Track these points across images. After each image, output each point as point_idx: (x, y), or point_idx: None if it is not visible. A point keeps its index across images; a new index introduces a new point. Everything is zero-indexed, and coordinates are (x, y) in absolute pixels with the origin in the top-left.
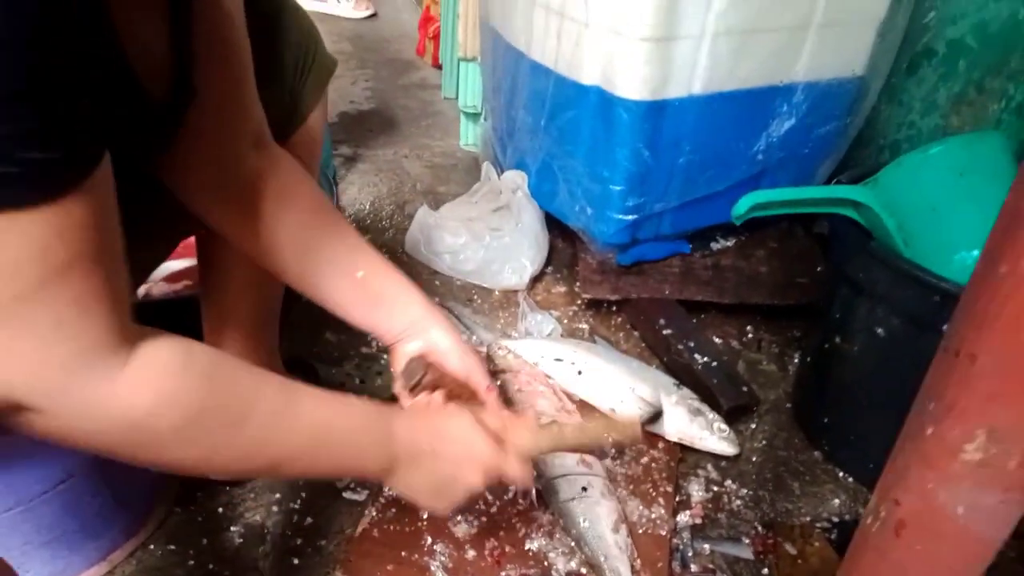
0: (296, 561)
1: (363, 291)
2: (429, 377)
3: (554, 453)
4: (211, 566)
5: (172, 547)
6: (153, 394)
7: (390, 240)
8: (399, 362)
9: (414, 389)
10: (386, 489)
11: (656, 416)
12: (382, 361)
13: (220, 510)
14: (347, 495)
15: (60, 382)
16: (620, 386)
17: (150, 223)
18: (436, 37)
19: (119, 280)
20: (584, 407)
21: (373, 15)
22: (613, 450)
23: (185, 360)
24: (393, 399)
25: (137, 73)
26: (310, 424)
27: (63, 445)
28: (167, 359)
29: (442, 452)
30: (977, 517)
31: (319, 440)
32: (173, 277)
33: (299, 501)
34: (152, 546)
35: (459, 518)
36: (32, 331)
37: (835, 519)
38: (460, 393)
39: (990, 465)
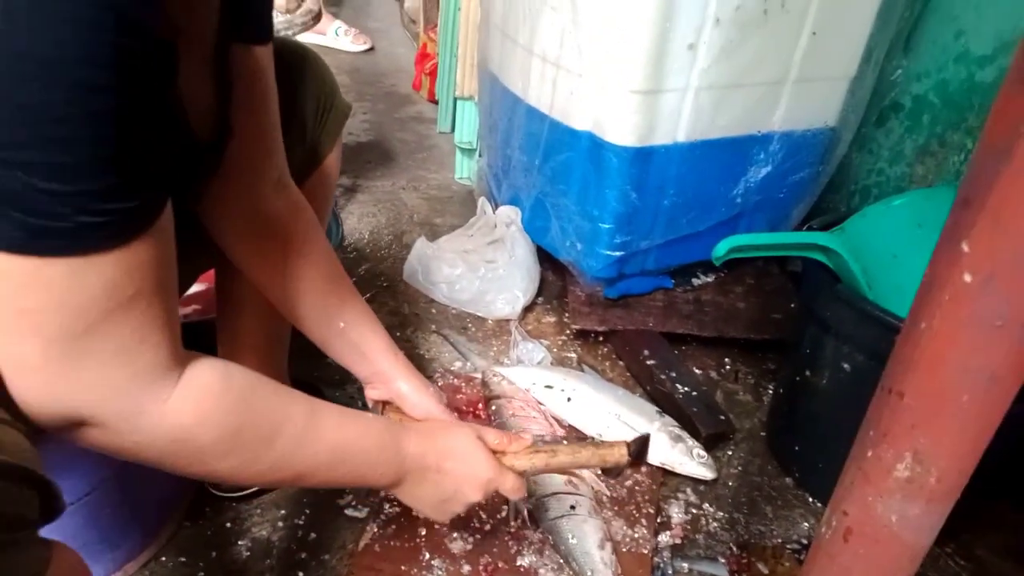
0: (300, 574)
1: (342, 339)
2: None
3: (547, 472)
4: None
5: (183, 559)
6: (196, 413)
7: (388, 269)
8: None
9: None
10: (386, 507)
11: (643, 441)
12: None
13: (228, 525)
14: (349, 512)
15: (119, 401)
16: (606, 413)
17: (181, 254)
18: (432, 73)
19: (173, 309)
20: (573, 432)
21: (370, 49)
22: (604, 473)
23: (225, 383)
24: None
25: (188, 117)
26: (332, 441)
27: (113, 455)
28: (210, 381)
29: (446, 469)
30: (906, 525)
31: (338, 456)
32: (183, 302)
33: (303, 517)
34: (164, 558)
35: (455, 535)
36: (97, 357)
37: (804, 541)
38: None
39: (915, 481)
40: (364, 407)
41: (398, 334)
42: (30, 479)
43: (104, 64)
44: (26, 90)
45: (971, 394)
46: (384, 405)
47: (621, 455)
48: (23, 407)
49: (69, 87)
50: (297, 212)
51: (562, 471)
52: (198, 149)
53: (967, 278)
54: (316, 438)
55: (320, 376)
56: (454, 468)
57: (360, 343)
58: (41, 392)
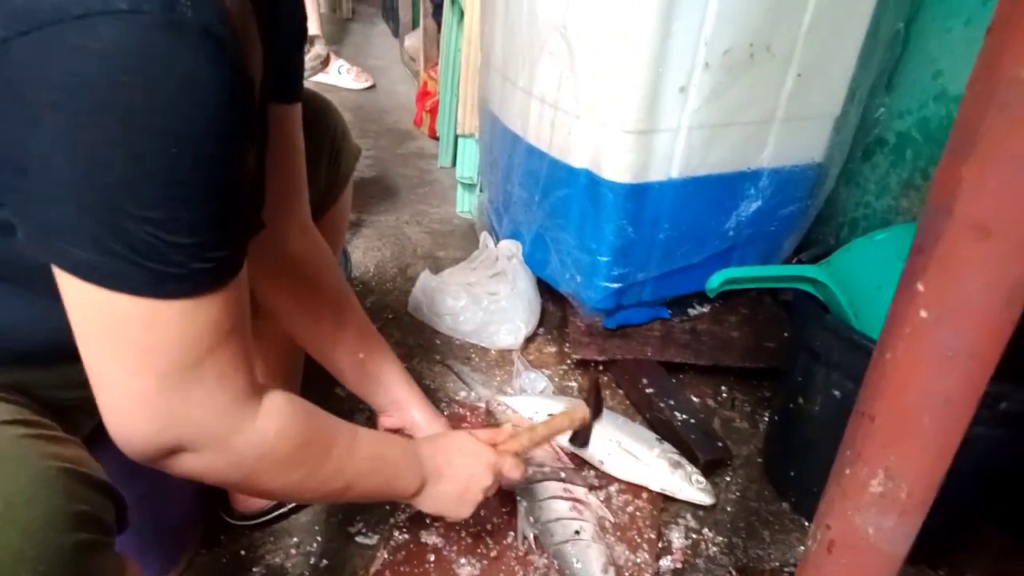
0: None
1: (361, 370)
2: None
3: (532, 447)
4: None
5: None
6: (277, 428)
7: (394, 301)
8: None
9: None
10: (395, 534)
11: (595, 391)
12: None
13: (242, 552)
14: (359, 539)
15: (220, 424)
16: (607, 440)
17: None
18: (433, 111)
19: (250, 341)
20: (576, 460)
21: (372, 87)
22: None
23: (291, 403)
24: None
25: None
26: (370, 451)
27: (197, 478)
28: (281, 401)
29: (456, 463)
30: (882, 536)
31: (376, 464)
32: None
33: (315, 544)
34: None
35: (463, 560)
36: (203, 386)
37: None
38: None
39: (888, 496)
40: None
41: (405, 364)
42: (108, 492)
43: (222, 138)
44: (160, 160)
45: (931, 416)
46: (396, 433)
47: (584, 412)
48: (126, 440)
49: (195, 157)
50: (318, 253)
51: (545, 442)
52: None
53: (923, 314)
54: (359, 448)
55: (328, 408)
56: (463, 461)
57: (378, 374)
58: (153, 423)
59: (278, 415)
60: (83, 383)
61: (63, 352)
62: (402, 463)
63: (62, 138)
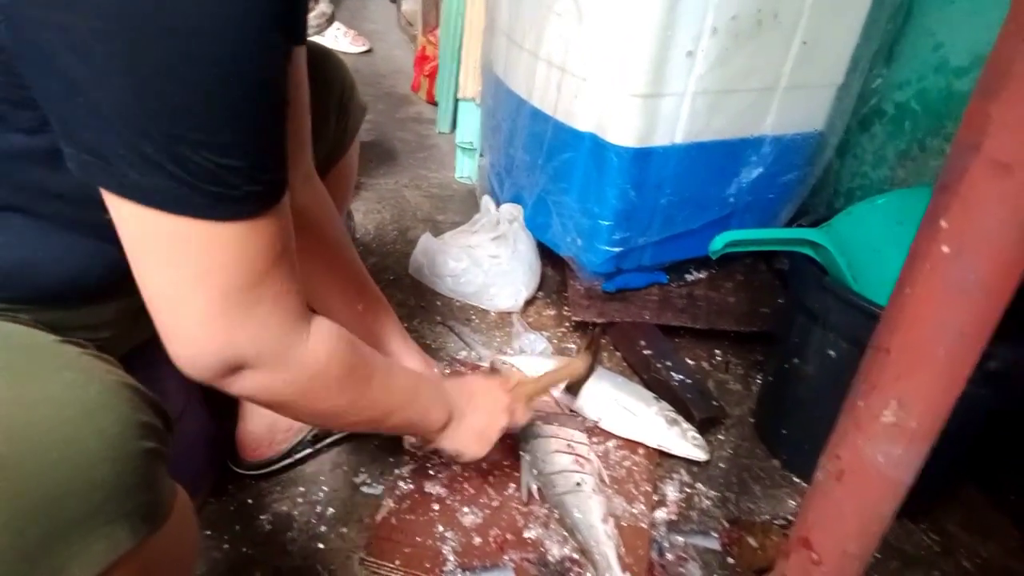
0: (321, 545)
1: (360, 322)
2: None
3: (537, 395)
4: (244, 549)
5: (208, 532)
6: (327, 350)
7: (394, 263)
8: None
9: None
10: (400, 484)
11: (596, 342)
12: None
13: (250, 501)
14: (364, 489)
15: (277, 342)
16: (606, 397)
17: None
18: (432, 75)
19: (297, 265)
20: (576, 415)
21: (369, 50)
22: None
23: (337, 329)
24: None
25: None
26: (405, 381)
27: (254, 398)
28: (328, 327)
29: (477, 403)
30: (891, 463)
31: (410, 395)
32: None
33: (321, 494)
34: None
35: (466, 509)
36: (262, 305)
37: (790, 517)
38: None
39: (898, 425)
40: None
41: (406, 325)
42: (160, 410)
43: (268, 57)
44: (221, 89)
45: (945, 348)
46: None
47: (579, 364)
48: (190, 360)
49: (244, 80)
50: (321, 204)
51: (547, 389)
52: None
53: (944, 249)
54: (395, 376)
55: None
56: (482, 402)
57: (375, 327)
58: (216, 340)
59: (328, 338)
60: (107, 324)
61: (87, 292)
62: (433, 395)
63: (116, 65)
